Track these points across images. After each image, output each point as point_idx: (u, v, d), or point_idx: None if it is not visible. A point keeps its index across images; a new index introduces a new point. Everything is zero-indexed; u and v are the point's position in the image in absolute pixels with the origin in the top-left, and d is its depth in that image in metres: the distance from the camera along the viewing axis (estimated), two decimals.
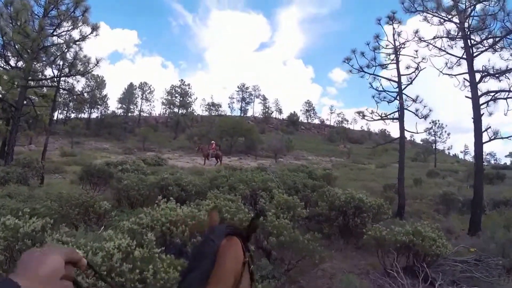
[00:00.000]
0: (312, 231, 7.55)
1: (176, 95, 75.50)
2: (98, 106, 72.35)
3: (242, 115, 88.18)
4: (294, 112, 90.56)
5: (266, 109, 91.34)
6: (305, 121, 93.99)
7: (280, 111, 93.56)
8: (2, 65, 15.46)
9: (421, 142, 59.82)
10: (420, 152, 55.80)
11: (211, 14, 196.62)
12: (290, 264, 6.44)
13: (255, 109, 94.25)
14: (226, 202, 7.39)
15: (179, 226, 5.83)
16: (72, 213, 7.48)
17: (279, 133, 66.09)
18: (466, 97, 12.33)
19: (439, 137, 50.74)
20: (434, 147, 52.24)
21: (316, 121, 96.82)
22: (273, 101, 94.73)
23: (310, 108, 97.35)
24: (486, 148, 63.90)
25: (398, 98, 14.45)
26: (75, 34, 15.79)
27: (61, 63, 16.05)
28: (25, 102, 16.18)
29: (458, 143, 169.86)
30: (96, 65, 16.03)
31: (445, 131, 50.59)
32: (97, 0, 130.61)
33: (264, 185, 10.73)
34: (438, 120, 49.77)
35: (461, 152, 77.59)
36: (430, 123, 48.03)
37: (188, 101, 75.30)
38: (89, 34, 15.71)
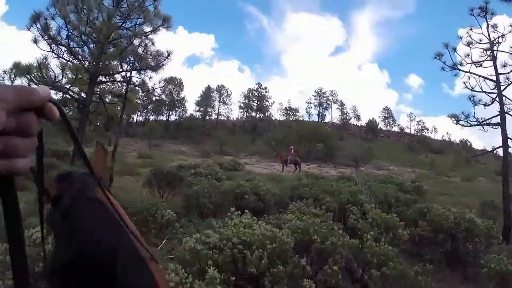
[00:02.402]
0: (422, 262, 5.97)
1: (253, 98, 75.55)
2: (177, 109, 74.02)
3: (319, 120, 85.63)
4: (373, 118, 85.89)
5: (344, 115, 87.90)
6: (384, 128, 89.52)
7: (358, 117, 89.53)
8: (68, 59, 14.81)
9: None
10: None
11: (286, 16, 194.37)
12: None
13: (333, 115, 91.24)
14: (314, 219, 5.91)
15: (255, 250, 4.49)
16: None
17: (358, 140, 63.25)
18: None
19: None
20: None
21: (395, 129, 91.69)
22: (351, 107, 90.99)
23: (389, 115, 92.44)
24: None
25: (497, 100, 12.23)
26: (146, 28, 15.25)
27: (131, 57, 15.55)
28: (95, 99, 15.79)
29: None
30: (167, 58, 15.19)
31: None
32: (175, 5, 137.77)
33: (353, 197, 9.13)
34: None
35: None
36: None
37: (265, 105, 75.12)
38: (160, 26, 14.92)
